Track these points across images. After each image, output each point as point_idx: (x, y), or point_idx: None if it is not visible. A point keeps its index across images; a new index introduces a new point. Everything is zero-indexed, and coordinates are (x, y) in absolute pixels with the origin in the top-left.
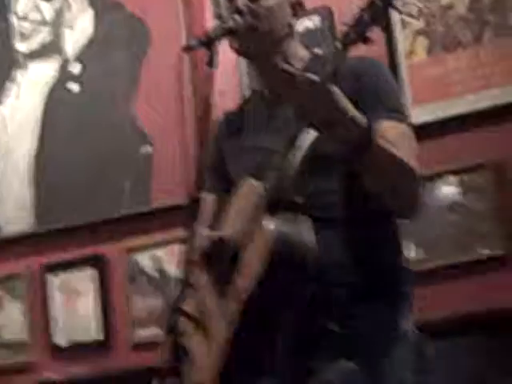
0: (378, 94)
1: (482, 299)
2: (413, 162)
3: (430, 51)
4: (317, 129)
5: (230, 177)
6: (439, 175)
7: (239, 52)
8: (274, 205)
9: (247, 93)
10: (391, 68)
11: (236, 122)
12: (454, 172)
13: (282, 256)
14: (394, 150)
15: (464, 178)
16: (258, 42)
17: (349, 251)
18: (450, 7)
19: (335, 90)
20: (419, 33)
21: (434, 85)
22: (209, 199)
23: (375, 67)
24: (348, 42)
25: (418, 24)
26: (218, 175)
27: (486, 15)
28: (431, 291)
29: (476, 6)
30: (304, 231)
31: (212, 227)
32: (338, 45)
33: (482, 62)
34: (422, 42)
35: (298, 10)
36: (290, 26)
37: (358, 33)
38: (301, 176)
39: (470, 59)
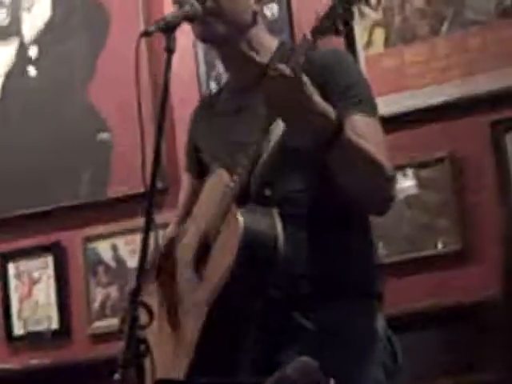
0: (349, 87)
1: (440, 294)
2: (382, 156)
3: (387, 43)
4: (286, 120)
5: (202, 162)
6: (396, 169)
7: (202, 38)
8: (244, 196)
9: (204, 80)
10: None
11: (208, 109)
12: (411, 166)
13: (250, 248)
14: (363, 143)
15: (421, 172)
16: (220, 27)
17: (318, 247)
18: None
19: (306, 81)
20: (377, 24)
21: (390, 77)
22: (186, 180)
23: (343, 59)
24: (319, 32)
25: (376, 15)
26: (192, 159)
27: (443, 8)
28: (389, 286)
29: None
30: (273, 224)
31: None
32: (308, 35)
33: (438, 55)
34: (379, 34)
35: None
36: (254, 13)
37: (329, 24)
38: (270, 169)
39: (427, 52)
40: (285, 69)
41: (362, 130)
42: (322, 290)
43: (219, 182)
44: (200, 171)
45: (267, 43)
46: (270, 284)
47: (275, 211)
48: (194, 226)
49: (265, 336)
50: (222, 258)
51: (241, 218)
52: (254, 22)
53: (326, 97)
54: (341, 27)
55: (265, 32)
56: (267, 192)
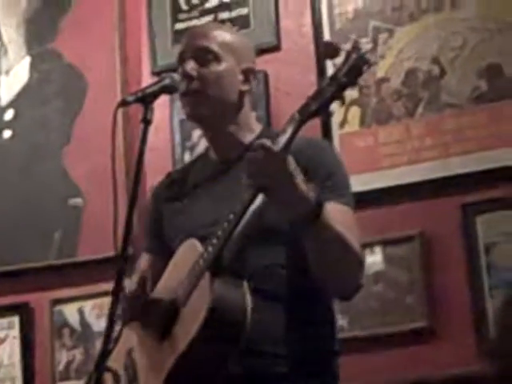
0: (327, 177)
1: (404, 371)
2: (356, 245)
3: (362, 122)
4: (266, 195)
5: (166, 239)
6: (365, 246)
7: (191, 118)
8: (216, 267)
9: (179, 150)
10: (324, 137)
11: (178, 183)
12: (380, 243)
13: (219, 318)
14: (339, 228)
15: (390, 250)
16: (206, 107)
17: (285, 327)
18: (384, 80)
19: (290, 160)
20: (353, 103)
21: (364, 156)
22: (145, 258)
23: (323, 149)
24: (308, 114)
25: (353, 94)
26: (155, 237)
27: (419, 90)
28: (352, 360)
29: (410, 81)
30: (242, 297)
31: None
32: (297, 116)
33: (412, 136)
34: (354, 113)
35: (251, 76)
36: (242, 93)
37: (319, 106)
38: (245, 242)
39: (401, 133)
40: (271, 145)
41: (337, 217)
42: (285, 369)
43: (191, 250)
44: (161, 249)
45: (252, 125)
46: (232, 359)
47: (245, 284)
48: (163, 290)
49: None
50: (189, 325)
51: (212, 287)
52: (241, 102)
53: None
54: (330, 108)
55: (250, 113)
56: (239, 265)
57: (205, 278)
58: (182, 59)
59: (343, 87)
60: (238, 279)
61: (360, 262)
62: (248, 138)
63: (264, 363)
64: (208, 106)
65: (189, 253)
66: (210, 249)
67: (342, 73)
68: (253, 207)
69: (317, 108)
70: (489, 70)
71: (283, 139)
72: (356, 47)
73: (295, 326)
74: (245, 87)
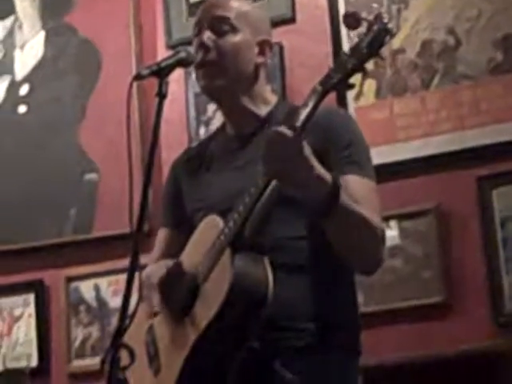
0: (347, 147)
1: (420, 346)
2: (376, 220)
3: (377, 94)
4: (281, 181)
5: (186, 214)
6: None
7: (206, 90)
8: (237, 242)
9: (194, 124)
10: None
11: (197, 158)
12: (396, 217)
13: (240, 293)
14: (358, 208)
15: (405, 224)
16: (222, 78)
17: (305, 300)
18: (400, 51)
19: (305, 144)
20: (368, 75)
21: (379, 129)
22: (163, 234)
23: (344, 119)
24: (330, 86)
25: (367, 66)
26: (175, 212)
27: (434, 62)
28: (369, 336)
29: (426, 53)
30: (264, 273)
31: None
32: (319, 88)
33: (428, 109)
34: (370, 85)
35: (267, 49)
36: (257, 66)
37: (341, 78)
38: (266, 217)
39: (417, 105)
40: (285, 130)
41: (358, 191)
42: (305, 343)
43: (212, 226)
44: (181, 223)
45: (267, 97)
46: (253, 334)
47: (266, 259)
48: (184, 265)
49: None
50: (210, 301)
51: (233, 263)
52: (257, 75)
53: (324, 154)
54: (351, 80)
55: (265, 85)
56: (260, 240)
57: (225, 253)
58: (198, 29)
59: (365, 58)
60: (259, 254)
61: (381, 237)
62: (263, 110)
63: (285, 337)
64: (224, 77)
65: (210, 229)
66: (231, 224)
67: (364, 44)
68: (273, 182)
69: (338, 80)
70: (504, 41)
71: (304, 113)
72: (378, 17)
73: (317, 299)
74: (260, 59)
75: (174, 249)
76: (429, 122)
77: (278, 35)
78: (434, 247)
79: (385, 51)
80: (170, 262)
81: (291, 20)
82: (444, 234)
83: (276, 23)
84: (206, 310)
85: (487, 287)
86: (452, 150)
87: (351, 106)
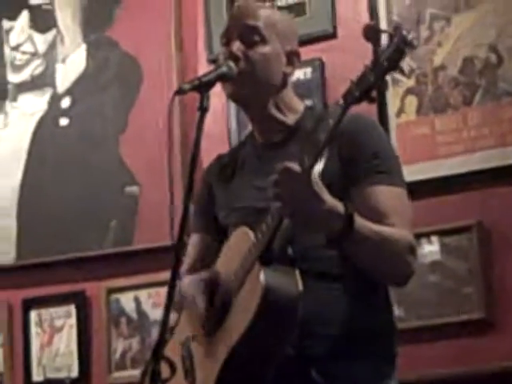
0: (375, 155)
1: (460, 363)
2: (404, 231)
3: (419, 111)
4: (294, 215)
5: (218, 220)
6: (422, 235)
7: (232, 98)
8: (267, 255)
9: (235, 138)
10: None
11: (229, 165)
12: (437, 233)
13: (271, 308)
14: (378, 229)
15: (446, 240)
16: (251, 88)
17: (338, 307)
18: (441, 68)
19: (316, 179)
20: (409, 92)
21: (421, 145)
22: (195, 239)
23: (371, 127)
24: (352, 100)
25: (409, 83)
26: (206, 217)
27: (476, 78)
28: (408, 351)
29: (468, 69)
30: (294, 285)
31: (193, 269)
32: (341, 102)
33: (469, 125)
34: (411, 102)
35: (294, 59)
36: (285, 75)
37: (362, 91)
38: (292, 228)
39: (458, 121)
40: (294, 166)
41: (385, 202)
42: (339, 352)
43: (243, 239)
44: (212, 229)
45: (294, 105)
46: (289, 342)
47: (297, 271)
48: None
49: None
50: (242, 315)
51: (263, 277)
52: (284, 84)
53: (351, 163)
54: (374, 94)
55: (292, 94)
56: (290, 251)
57: (255, 267)
58: (226, 39)
59: (385, 72)
60: (289, 266)
61: (407, 250)
62: (291, 118)
63: (318, 344)
64: (253, 86)
65: (240, 241)
66: (260, 236)
67: (384, 57)
68: None
69: (359, 94)
70: None
71: (329, 126)
72: (398, 29)
73: (349, 306)
74: (288, 69)
75: (205, 254)
76: (470, 138)
77: (318, 51)
78: (475, 263)
79: (426, 68)
80: (205, 274)
81: (332, 35)
82: (486, 250)
83: (317, 38)
84: (236, 326)
85: None
86: (493, 167)
87: (393, 122)
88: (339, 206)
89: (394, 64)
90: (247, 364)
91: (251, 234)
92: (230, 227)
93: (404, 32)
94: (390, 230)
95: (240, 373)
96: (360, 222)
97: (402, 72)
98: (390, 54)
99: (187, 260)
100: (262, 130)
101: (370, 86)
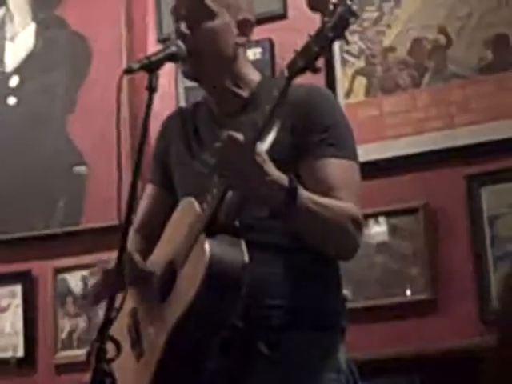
0: (327, 128)
1: (407, 342)
2: (352, 206)
3: (368, 92)
4: (235, 186)
5: (171, 176)
6: (370, 216)
7: (186, 76)
8: (212, 225)
9: None
10: None
11: (186, 124)
12: (385, 213)
13: (216, 277)
14: (326, 202)
15: (393, 221)
16: (202, 65)
17: (285, 279)
18: (391, 49)
19: (260, 151)
20: (358, 73)
21: (369, 126)
22: (150, 190)
23: (325, 98)
24: (296, 70)
25: (358, 64)
26: (162, 170)
27: (425, 60)
28: (355, 331)
29: (417, 51)
30: (240, 255)
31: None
32: (286, 72)
33: (418, 107)
34: (360, 82)
35: (247, 28)
36: (237, 46)
37: (307, 61)
38: (240, 199)
39: (407, 103)
40: (238, 135)
41: (334, 175)
42: (288, 319)
43: (189, 210)
44: (167, 182)
45: (250, 77)
46: (235, 314)
47: (242, 241)
48: (162, 252)
49: (225, 364)
50: (188, 286)
51: (208, 248)
52: (237, 54)
53: (302, 134)
54: (317, 65)
55: (248, 65)
56: (236, 222)
57: (200, 238)
58: (175, 15)
59: (330, 41)
60: (234, 237)
61: (355, 223)
62: (246, 90)
63: (265, 315)
64: (203, 64)
65: (186, 212)
66: (206, 207)
67: (329, 26)
68: None
69: (304, 64)
70: (495, 41)
71: (274, 97)
72: (342, 0)
73: (296, 278)
74: (241, 40)
75: (159, 207)
76: (418, 120)
77: (268, 31)
78: (421, 244)
79: (375, 49)
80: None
81: (282, 16)
82: (432, 231)
83: (268, 19)
84: (183, 295)
85: (474, 285)
86: (441, 148)
87: (341, 102)
88: (283, 179)
89: (338, 34)
90: (193, 333)
91: (197, 206)
92: (180, 193)
93: (348, 1)
94: (335, 203)
95: (186, 342)
96: (304, 195)
97: (346, 41)
98: (334, 24)
99: (138, 215)
100: (218, 101)
101: (314, 56)
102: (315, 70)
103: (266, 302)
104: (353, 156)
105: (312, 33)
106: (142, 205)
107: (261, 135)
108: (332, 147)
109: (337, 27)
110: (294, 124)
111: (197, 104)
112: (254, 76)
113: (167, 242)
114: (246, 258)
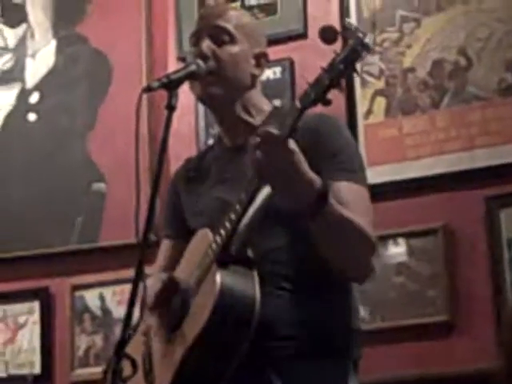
0: (336, 153)
1: (423, 365)
2: (368, 228)
3: (387, 112)
4: (270, 184)
5: (187, 223)
6: (389, 237)
7: (201, 97)
8: (224, 256)
9: (203, 137)
10: (348, 126)
11: (196, 168)
12: (404, 234)
13: (226, 309)
14: (349, 215)
15: (413, 242)
16: (219, 87)
17: (297, 308)
18: (411, 70)
19: (294, 147)
20: (378, 93)
21: (389, 147)
22: (165, 245)
23: (334, 125)
24: (307, 102)
25: (378, 84)
26: (175, 222)
27: (445, 81)
28: (373, 352)
29: (437, 72)
30: (251, 287)
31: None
32: (298, 104)
33: (437, 128)
34: (380, 103)
35: (263, 61)
36: (253, 77)
37: (317, 94)
38: (253, 230)
39: (426, 124)
40: (275, 132)
41: (347, 197)
42: (300, 351)
43: (203, 241)
44: (182, 233)
45: (262, 106)
46: (245, 344)
47: (255, 273)
48: (178, 279)
49: None
50: (198, 317)
51: (219, 279)
52: (253, 85)
53: (314, 161)
54: (329, 97)
55: (260, 95)
56: (249, 253)
57: (212, 269)
58: (196, 38)
59: (340, 74)
60: (247, 268)
61: (372, 246)
62: (258, 119)
63: (275, 345)
64: (221, 86)
65: (201, 242)
66: (218, 239)
67: (340, 59)
68: (260, 194)
69: (314, 97)
70: None
71: (286, 125)
72: (354, 32)
73: (306, 307)
74: (257, 71)
75: (175, 260)
76: (438, 141)
77: (289, 50)
78: (440, 266)
79: (395, 69)
80: (164, 276)
81: (303, 35)
82: (451, 253)
83: (288, 38)
84: (193, 326)
85: (493, 308)
86: (461, 170)
87: (361, 123)
88: (316, 180)
89: (349, 67)
90: (203, 365)
91: (210, 236)
92: (193, 230)
93: (360, 34)
94: (359, 220)
95: (195, 374)
96: (334, 201)
97: (357, 74)
98: (345, 57)
99: (156, 266)
100: (229, 131)
101: (325, 89)
102: (326, 103)
103: (276, 332)
104: (364, 182)
105: (325, 65)
106: (159, 259)
107: (291, 131)
108: (343, 172)
109: (348, 60)
110: (304, 148)
111: (210, 147)
112: (266, 106)
113: (182, 271)
114: (258, 290)
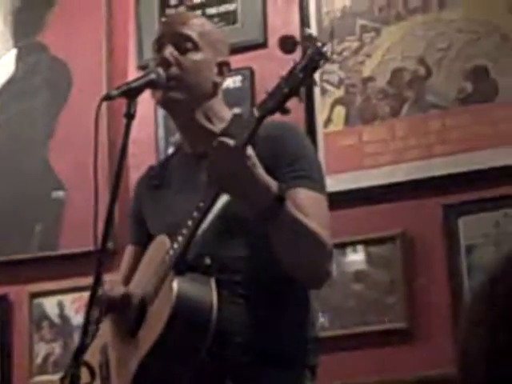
0: (295, 161)
1: (382, 372)
2: (325, 234)
3: (347, 121)
4: (225, 190)
5: (149, 231)
6: (348, 244)
7: (161, 103)
8: (181, 263)
9: (162, 145)
10: (307, 134)
11: (157, 176)
12: (362, 242)
13: (183, 316)
14: (305, 220)
15: (372, 249)
16: (180, 93)
17: (252, 317)
18: (370, 79)
19: (250, 152)
20: (338, 102)
21: (348, 155)
22: (129, 251)
23: (294, 133)
24: (265, 111)
25: (338, 93)
26: (139, 228)
27: (405, 90)
28: (332, 360)
29: (396, 81)
30: (208, 294)
31: (126, 280)
32: (256, 112)
33: (396, 136)
34: (339, 112)
35: (225, 70)
36: (215, 85)
37: (276, 102)
38: (210, 238)
39: (386, 132)
40: (228, 140)
41: (305, 203)
42: (254, 358)
43: (160, 248)
44: (144, 240)
45: (223, 115)
46: (202, 352)
47: (213, 280)
48: (134, 289)
49: None
50: (155, 325)
51: (176, 286)
52: (214, 93)
53: (273, 168)
54: (287, 106)
55: (222, 103)
56: (207, 261)
57: (169, 276)
58: (158, 46)
59: (299, 83)
60: (204, 276)
61: (329, 251)
62: (218, 127)
63: (232, 353)
64: (183, 92)
65: (158, 249)
66: (176, 246)
67: (299, 68)
68: (218, 202)
69: (273, 105)
70: (474, 72)
71: (244, 133)
72: (312, 42)
73: (263, 318)
74: (218, 79)
75: (137, 266)
76: (397, 149)
77: (249, 59)
78: (398, 273)
79: (355, 78)
80: (119, 290)
81: (263, 45)
82: (409, 260)
83: (248, 47)
84: (149, 335)
85: (451, 314)
86: (419, 178)
87: (320, 131)
88: (273, 184)
89: (308, 76)
90: (158, 373)
91: (168, 243)
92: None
93: (318, 44)
94: (315, 226)
95: (152, 382)
96: (290, 206)
97: (314, 83)
98: (303, 66)
99: (121, 271)
100: (190, 138)
101: (283, 98)
102: (284, 111)
103: (232, 340)
104: (322, 190)
105: (284, 74)
106: (123, 265)
107: (250, 139)
108: (303, 179)
109: (307, 69)
110: (262, 156)
111: (172, 154)
112: (227, 114)
113: (139, 279)
114: (215, 297)
